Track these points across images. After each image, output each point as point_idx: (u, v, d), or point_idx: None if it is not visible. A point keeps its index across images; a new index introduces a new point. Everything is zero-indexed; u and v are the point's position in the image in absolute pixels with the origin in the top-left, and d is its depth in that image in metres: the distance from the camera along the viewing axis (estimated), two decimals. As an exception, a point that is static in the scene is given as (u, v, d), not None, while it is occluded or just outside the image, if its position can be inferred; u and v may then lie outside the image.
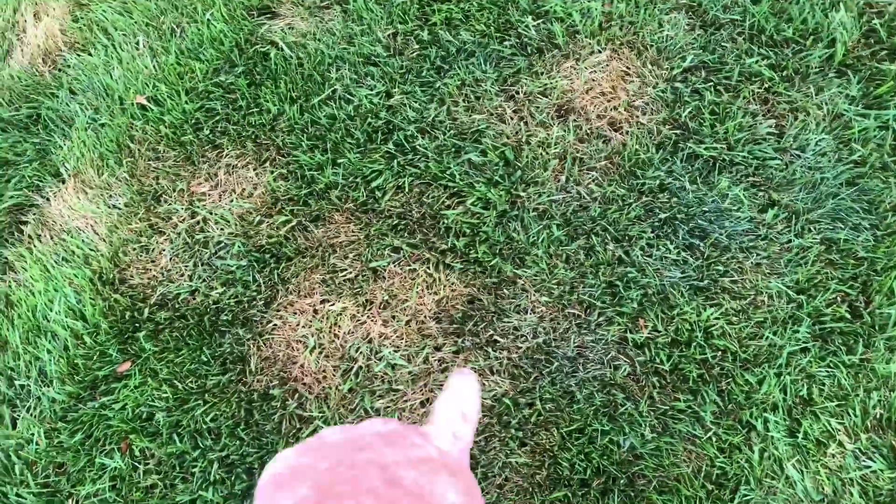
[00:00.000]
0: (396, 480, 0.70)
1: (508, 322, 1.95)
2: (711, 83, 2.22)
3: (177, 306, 2.06)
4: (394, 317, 1.99)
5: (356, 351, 1.96)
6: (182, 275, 2.11)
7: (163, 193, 2.23)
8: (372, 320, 2.00)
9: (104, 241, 2.19)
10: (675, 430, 1.80)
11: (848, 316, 1.87)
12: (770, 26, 2.26)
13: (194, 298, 2.07)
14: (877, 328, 1.85)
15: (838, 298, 1.90)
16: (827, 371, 1.82)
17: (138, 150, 2.31)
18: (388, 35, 2.41)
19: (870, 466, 1.72)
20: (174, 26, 2.55)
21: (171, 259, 2.13)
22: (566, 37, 2.34)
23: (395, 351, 1.95)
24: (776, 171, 2.06)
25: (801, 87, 2.18)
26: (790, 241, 1.97)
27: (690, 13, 2.36)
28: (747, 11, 2.30)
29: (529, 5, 2.39)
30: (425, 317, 1.98)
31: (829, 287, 1.90)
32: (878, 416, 1.76)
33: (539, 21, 2.37)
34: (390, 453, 0.73)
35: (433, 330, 1.96)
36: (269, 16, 2.54)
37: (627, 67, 2.28)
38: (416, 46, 2.38)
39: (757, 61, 2.22)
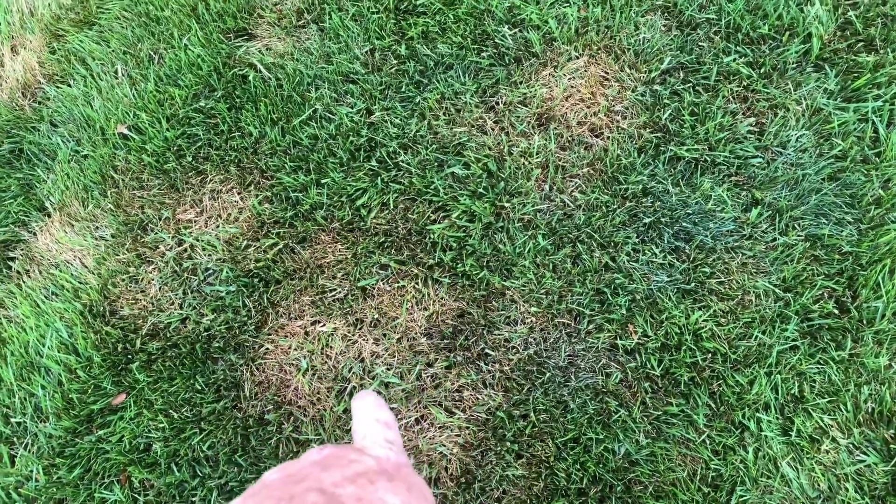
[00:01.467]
0: (335, 498, 0.72)
1: (499, 334, 1.96)
2: (690, 84, 2.23)
3: (168, 335, 2.06)
4: (384, 335, 2.00)
5: (349, 371, 1.96)
6: (172, 303, 2.11)
7: (149, 222, 2.24)
8: (363, 339, 2.00)
9: (93, 273, 2.19)
10: (668, 434, 1.81)
11: (835, 312, 1.88)
12: (746, 23, 2.27)
13: (185, 326, 2.07)
14: (864, 322, 1.86)
15: (825, 294, 1.91)
16: (817, 368, 1.83)
17: (122, 180, 2.31)
18: (366, 52, 2.41)
19: (864, 461, 1.73)
20: (152, 53, 2.55)
21: (160, 288, 2.14)
22: (543, 44, 2.34)
23: (388, 369, 1.96)
24: (758, 170, 2.07)
25: (780, 83, 2.19)
26: (775, 239, 1.98)
27: (666, 14, 2.37)
28: (722, 10, 2.32)
29: (505, 14, 2.39)
30: (416, 333, 1.99)
31: (815, 283, 1.92)
32: (869, 410, 1.78)
33: (515, 30, 2.37)
34: (328, 477, 0.75)
35: (424, 346, 1.97)
36: (245, 38, 2.55)
37: (605, 72, 2.29)
38: (394, 62, 2.38)
39: (734, 59, 2.23)
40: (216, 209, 2.23)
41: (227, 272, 2.11)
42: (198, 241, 2.18)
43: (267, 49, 2.50)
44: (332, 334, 2.01)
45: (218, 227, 2.20)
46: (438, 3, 2.46)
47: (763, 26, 2.26)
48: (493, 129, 2.24)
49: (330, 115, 2.31)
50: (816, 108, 2.14)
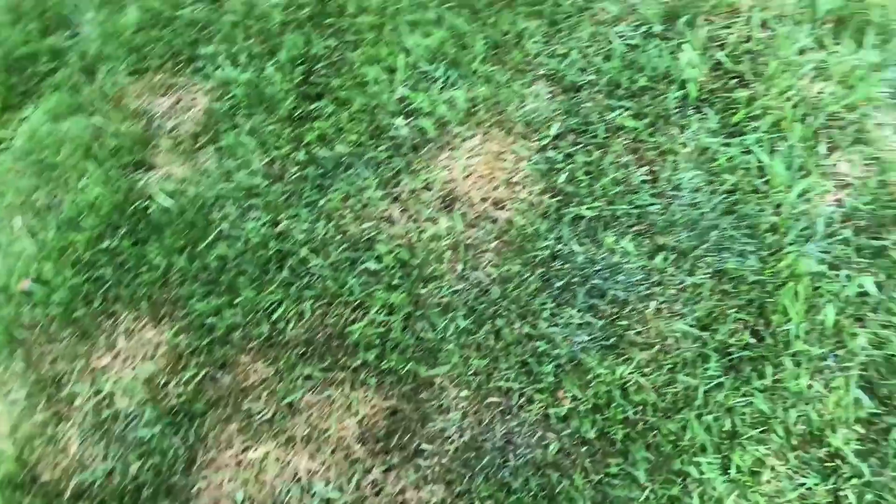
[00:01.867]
0: None
1: (433, 426, 1.93)
2: (580, 145, 2.30)
3: (94, 493, 1.97)
4: (318, 449, 1.95)
5: (287, 494, 1.90)
6: (94, 458, 2.03)
7: (63, 376, 2.17)
8: (297, 457, 1.95)
9: (7, 441, 2.10)
10: (613, 496, 1.78)
11: (752, 342, 1.91)
12: (625, 79, 2.37)
13: (111, 481, 1.99)
14: (781, 346, 1.89)
15: (740, 326, 1.95)
16: (744, 400, 1.84)
17: (30, 336, 2.25)
18: (265, 163, 2.44)
19: (804, 483, 1.73)
20: (50, 201, 2.54)
21: (80, 444, 2.06)
22: (437, 129, 2.41)
23: (326, 484, 1.90)
24: (657, 216, 2.13)
25: (665, 129, 2.28)
26: (683, 281, 2.02)
27: (549, 81, 2.46)
28: (601, 70, 2.42)
29: (396, 107, 2.47)
30: (349, 441, 1.94)
31: (728, 317, 1.95)
32: (800, 432, 1.79)
33: (409, 120, 2.44)
34: None
35: (360, 453, 1.93)
36: (144, 168, 2.56)
37: (500, 146, 2.35)
38: (295, 169, 2.42)
39: (619, 114, 2.32)
40: (132, 349, 2.19)
41: (149, 413, 2.05)
42: (116, 385, 2.12)
43: (167, 177, 2.51)
44: (265, 459, 1.95)
45: (135, 367, 2.15)
46: (331, 105, 2.52)
47: (641, 79, 2.36)
48: (400, 219, 2.27)
49: (236, 233, 2.31)
50: (702, 147, 2.23)
